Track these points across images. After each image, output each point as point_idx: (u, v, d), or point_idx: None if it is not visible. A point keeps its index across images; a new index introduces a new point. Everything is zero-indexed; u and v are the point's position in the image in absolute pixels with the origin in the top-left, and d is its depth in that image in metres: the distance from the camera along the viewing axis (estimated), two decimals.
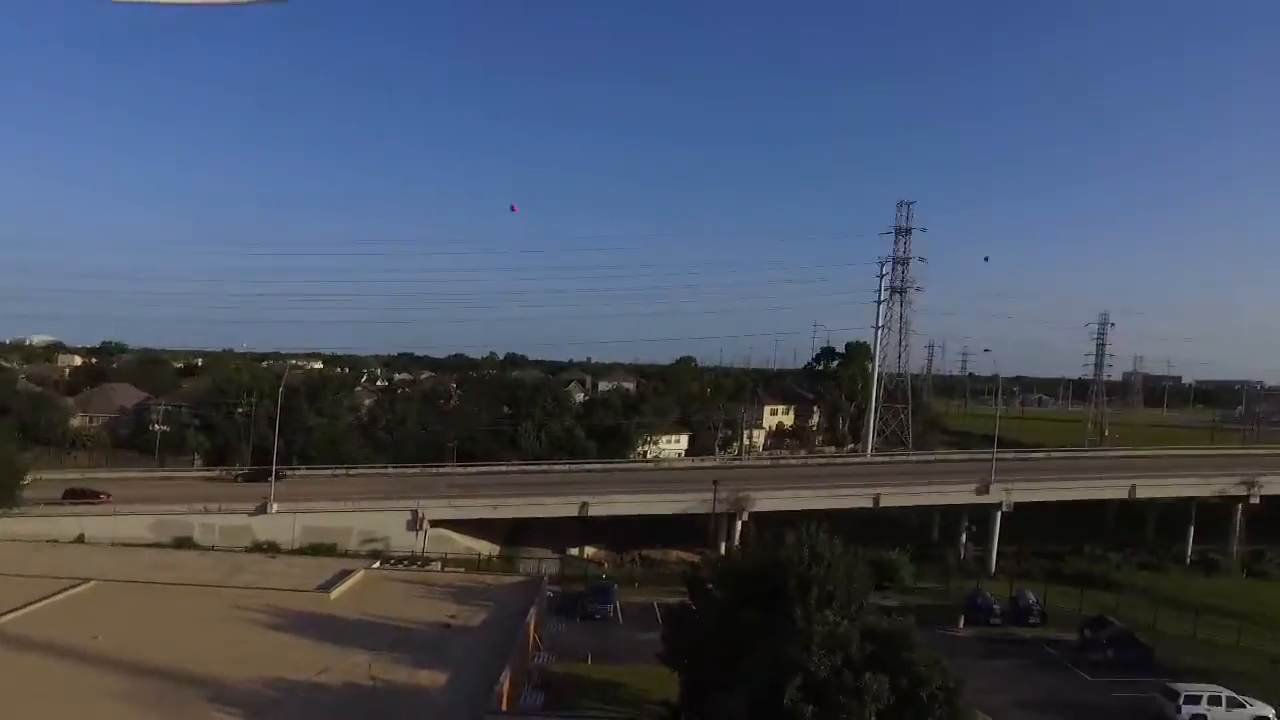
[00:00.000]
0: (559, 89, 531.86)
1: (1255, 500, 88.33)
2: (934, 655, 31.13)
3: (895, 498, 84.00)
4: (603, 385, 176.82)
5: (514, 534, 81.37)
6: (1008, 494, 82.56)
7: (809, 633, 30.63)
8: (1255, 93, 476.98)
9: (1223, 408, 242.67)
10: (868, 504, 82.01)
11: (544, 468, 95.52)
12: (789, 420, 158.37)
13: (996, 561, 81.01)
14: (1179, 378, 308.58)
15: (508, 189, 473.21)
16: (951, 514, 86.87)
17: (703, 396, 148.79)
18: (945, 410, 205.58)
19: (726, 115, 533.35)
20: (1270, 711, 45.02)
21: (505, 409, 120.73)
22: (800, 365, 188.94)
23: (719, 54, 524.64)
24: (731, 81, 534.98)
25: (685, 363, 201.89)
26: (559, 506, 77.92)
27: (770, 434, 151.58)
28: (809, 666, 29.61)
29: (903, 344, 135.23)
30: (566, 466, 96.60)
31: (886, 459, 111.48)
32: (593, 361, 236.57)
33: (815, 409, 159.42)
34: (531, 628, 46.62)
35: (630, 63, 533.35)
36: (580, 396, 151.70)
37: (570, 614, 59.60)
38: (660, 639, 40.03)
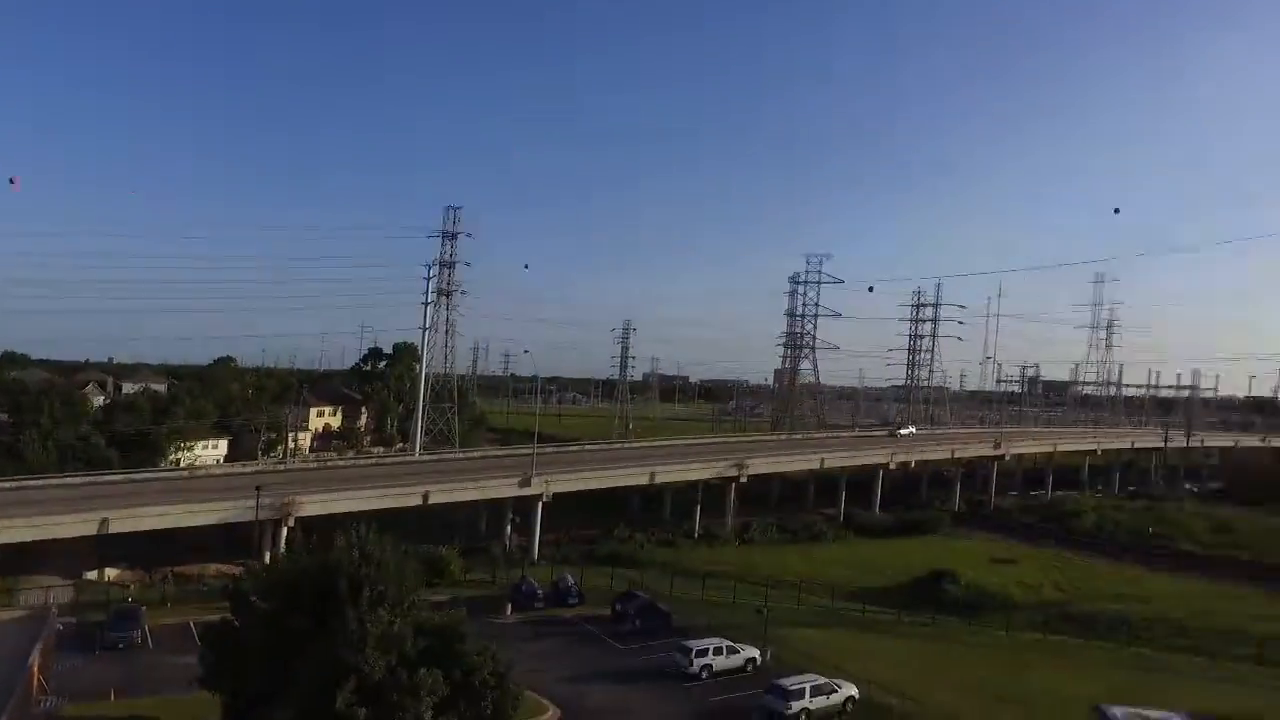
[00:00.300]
0: (101, 68, 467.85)
1: (744, 479, 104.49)
2: (484, 644, 33.36)
3: (443, 495, 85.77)
4: (127, 387, 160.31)
5: (15, 561, 70.12)
6: (548, 485, 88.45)
7: (362, 634, 31.10)
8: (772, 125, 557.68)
9: (719, 402, 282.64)
10: (417, 502, 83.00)
11: (53, 482, 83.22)
12: (337, 422, 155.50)
13: (539, 549, 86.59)
14: (687, 377, 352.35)
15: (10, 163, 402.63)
16: (497, 507, 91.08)
17: (244, 398, 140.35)
18: (489, 409, 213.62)
19: (273, 103, 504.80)
20: (756, 652, 54.39)
21: (3, 415, 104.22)
22: (349, 366, 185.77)
23: (269, 42, 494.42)
24: (275, 69, 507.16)
25: (224, 363, 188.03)
26: (73, 525, 68.33)
27: (317, 436, 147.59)
28: (363, 668, 30.12)
29: (449, 345, 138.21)
30: (82, 479, 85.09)
31: (434, 457, 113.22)
32: (114, 361, 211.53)
33: (364, 410, 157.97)
34: (35, 669, 41.25)
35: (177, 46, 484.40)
36: (100, 400, 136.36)
37: (89, 646, 53.52)
38: (198, 661, 37.74)
